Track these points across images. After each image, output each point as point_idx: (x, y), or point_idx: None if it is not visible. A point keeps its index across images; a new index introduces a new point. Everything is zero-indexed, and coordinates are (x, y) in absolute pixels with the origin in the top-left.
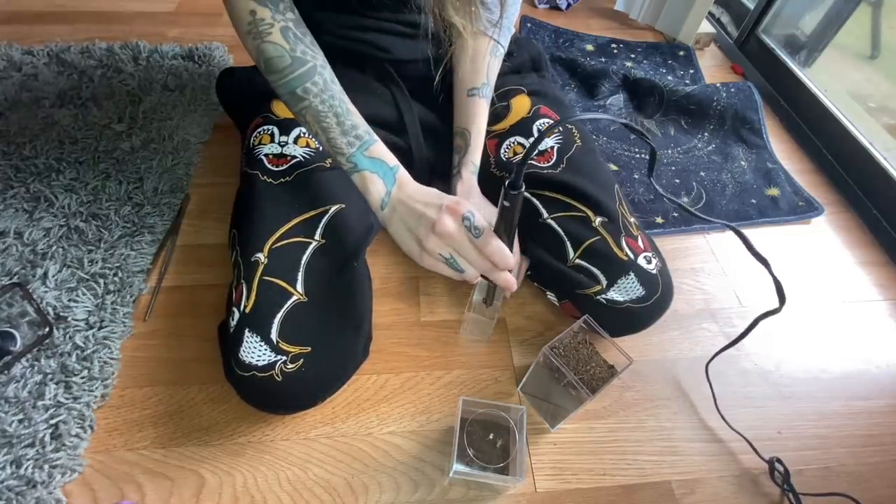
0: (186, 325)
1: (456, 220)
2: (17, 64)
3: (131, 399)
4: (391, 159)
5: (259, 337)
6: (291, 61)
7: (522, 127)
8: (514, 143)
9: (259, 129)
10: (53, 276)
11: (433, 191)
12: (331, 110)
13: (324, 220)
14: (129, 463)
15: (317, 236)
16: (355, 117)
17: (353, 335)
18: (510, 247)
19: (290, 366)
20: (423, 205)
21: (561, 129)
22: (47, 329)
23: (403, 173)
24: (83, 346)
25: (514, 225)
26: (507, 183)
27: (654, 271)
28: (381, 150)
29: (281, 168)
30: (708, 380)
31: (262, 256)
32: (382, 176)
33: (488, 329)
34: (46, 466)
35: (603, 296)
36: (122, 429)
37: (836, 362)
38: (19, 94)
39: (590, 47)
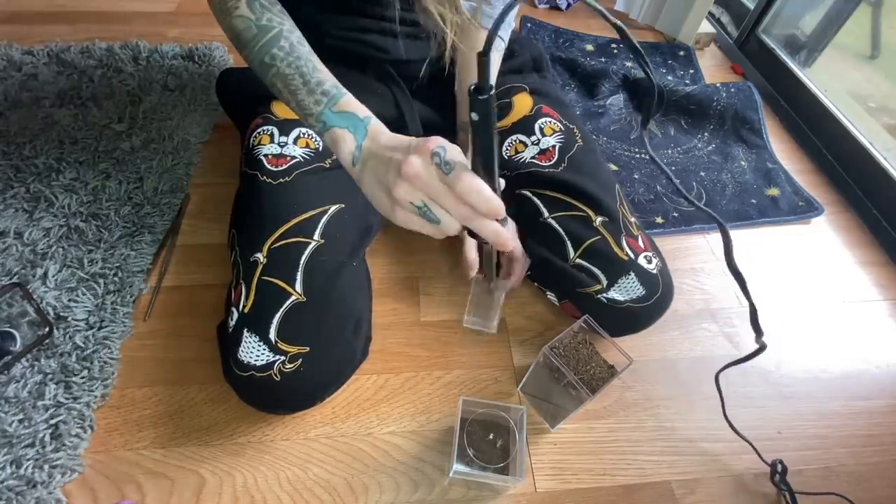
0: (186, 325)
1: (424, 159)
2: (17, 64)
3: (131, 399)
4: (362, 111)
5: (258, 337)
6: (257, 31)
7: (524, 125)
8: (515, 140)
9: (259, 130)
10: (53, 276)
11: (408, 137)
12: (296, 71)
13: (323, 220)
14: (129, 463)
15: (316, 236)
16: (322, 74)
17: (351, 335)
18: (492, 185)
19: (289, 366)
20: (391, 150)
21: (563, 128)
22: (47, 329)
23: (376, 124)
24: (83, 346)
25: (494, 152)
26: (471, 87)
27: (655, 271)
28: (350, 102)
29: (280, 168)
30: (718, 388)
31: (261, 256)
32: (353, 130)
33: (492, 316)
34: (46, 466)
35: (603, 295)
36: (122, 429)
37: (836, 362)
38: (19, 94)
39: (590, 47)
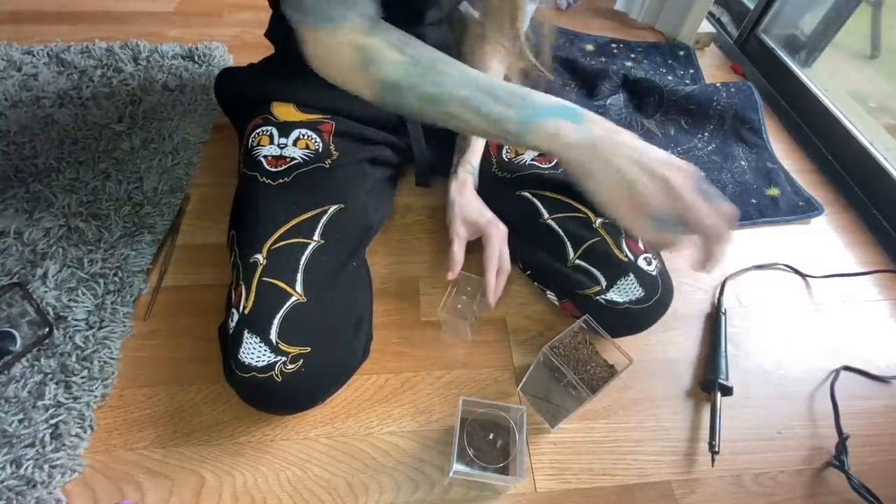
0: (186, 325)
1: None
2: (17, 64)
3: (131, 399)
4: (565, 101)
5: (258, 338)
6: (413, 63)
7: None
8: None
9: (258, 131)
10: (53, 276)
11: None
12: (474, 86)
13: (322, 221)
14: (129, 463)
15: (316, 236)
16: (502, 80)
17: (352, 335)
18: None
19: (290, 366)
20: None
21: None
22: (47, 329)
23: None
24: (83, 346)
25: None
26: None
27: (654, 272)
28: (548, 96)
29: (280, 169)
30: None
31: (260, 257)
32: (569, 117)
33: (464, 329)
34: (46, 466)
35: (602, 297)
36: (122, 429)
37: (837, 362)
38: (19, 94)
39: (590, 47)
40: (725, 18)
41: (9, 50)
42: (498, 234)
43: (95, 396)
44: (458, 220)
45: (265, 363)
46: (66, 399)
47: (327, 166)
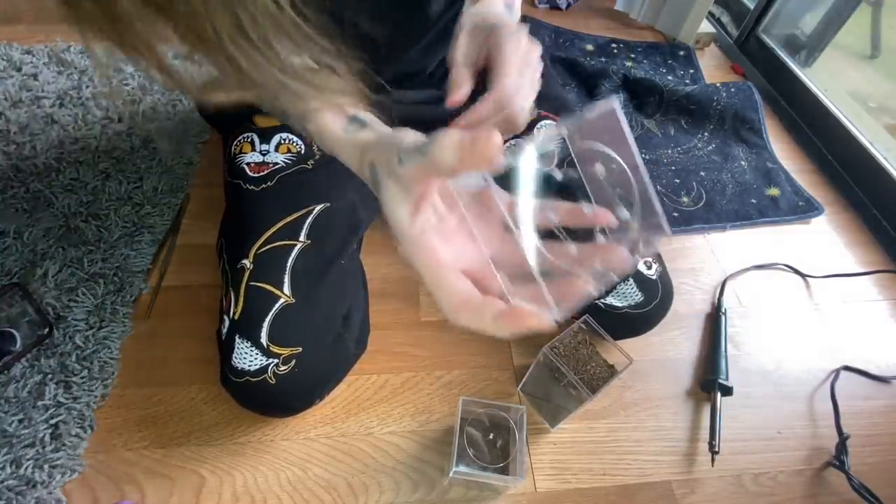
0: (186, 325)
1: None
2: (17, 64)
3: (131, 399)
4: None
5: (249, 342)
6: None
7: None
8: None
9: (240, 138)
10: (53, 276)
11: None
12: None
13: (308, 221)
14: (129, 463)
15: (301, 237)
16: None
17: (343, 330)
18: None
19: (283, 368)
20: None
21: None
22: (47, 329)
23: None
24: (83, 346)
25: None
26: None
27: (654, 277)
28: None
29: (263, 174)
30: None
31: (247, 262)
32: None
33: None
34: (46, 466)
35: (601, 301)
36: (122, 429)
37: (836, 362)
38: (19, 94)
39: (590, 47)
40: (725, 18)
41: (9, 50)
42: (519, 32)
43: (95, 396)
44: (464, 31)
45: (258, 367)
46: (66, 399)
47: (310, 167)
